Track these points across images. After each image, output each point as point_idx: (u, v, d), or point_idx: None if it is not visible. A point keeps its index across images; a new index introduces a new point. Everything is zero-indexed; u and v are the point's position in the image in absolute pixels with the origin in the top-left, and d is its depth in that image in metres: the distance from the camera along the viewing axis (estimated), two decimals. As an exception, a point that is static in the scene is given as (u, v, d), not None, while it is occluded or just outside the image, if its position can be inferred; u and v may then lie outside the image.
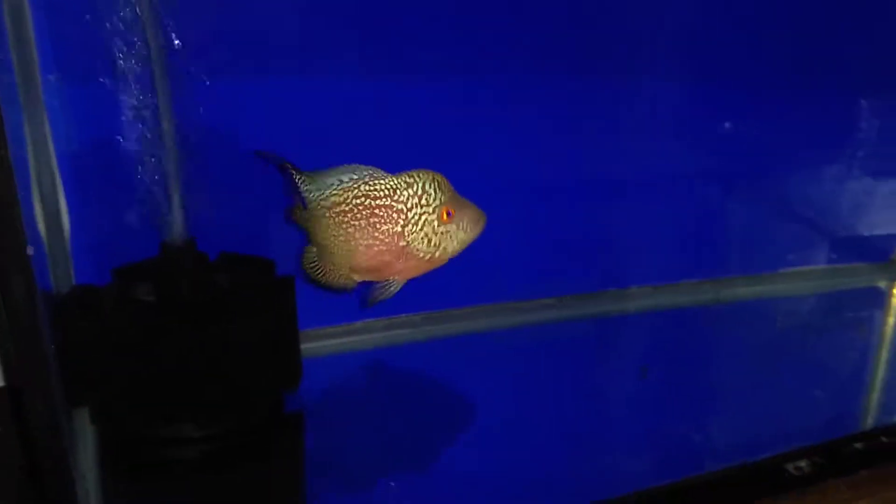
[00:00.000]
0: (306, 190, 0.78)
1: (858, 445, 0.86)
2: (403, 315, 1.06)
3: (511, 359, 1.05)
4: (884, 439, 0.87)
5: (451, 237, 0.78)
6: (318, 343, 1.01)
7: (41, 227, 0.86)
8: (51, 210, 0.86)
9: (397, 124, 0.95)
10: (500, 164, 1.03)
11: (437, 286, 1.03)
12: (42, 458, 0.50)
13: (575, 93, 1.03)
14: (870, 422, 0.96)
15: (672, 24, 1.05)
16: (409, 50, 0.94)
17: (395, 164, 0.89)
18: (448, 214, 0.76)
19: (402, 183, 0.76)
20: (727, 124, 1.13)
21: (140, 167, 0.84)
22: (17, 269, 0.44)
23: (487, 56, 0.98)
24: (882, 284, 1.34)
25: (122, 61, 0.80)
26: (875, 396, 1.01)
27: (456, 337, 1.07)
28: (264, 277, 0.88)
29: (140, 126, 0.83)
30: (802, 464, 0.82)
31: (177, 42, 0.81)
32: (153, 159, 0.84)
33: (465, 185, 1.00)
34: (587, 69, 1.03)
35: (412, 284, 1.03)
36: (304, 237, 0.91)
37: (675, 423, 0.93)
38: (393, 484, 0.82)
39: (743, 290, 1.23)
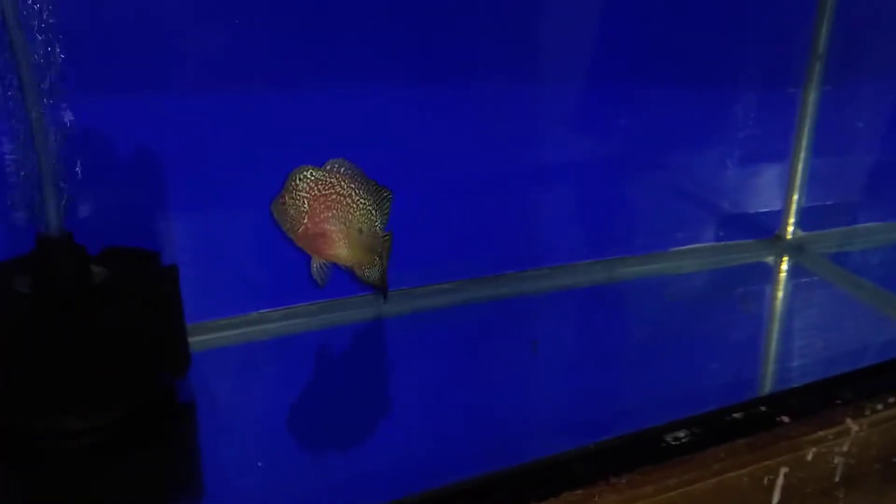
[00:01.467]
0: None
1: (737, 415, 0.89)
2: (301, 305, 1.06)
3: (409, 344, 1.06)
4: (763, 409, 0.91)
5: None
6: (215, 334, 1.01)
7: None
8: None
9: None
10: (401, 152, 1.06)
11: (334, 275, 1.05)
12: None
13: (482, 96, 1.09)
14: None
15: (571, 28, 1.12)
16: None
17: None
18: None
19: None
20: (618, 113, 1.18)
21: (16, 163, 0.83)
22: None
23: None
24: (769, 260, 1.39)
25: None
26: (767, 369, 1.05)
27: (353, 324, 1.07)
28: (146, 268, 0.88)
29: (13, 123, 0.82)
30: (681, 434, 0.85)
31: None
32: (28, 156, 0.83)
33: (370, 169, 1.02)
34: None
35: (306, 274, 1.04)
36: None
37: (563, 396, 0.95)
38: (287, 474, 0.82)
39: (635, 268, 1.26)
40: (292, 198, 0.91)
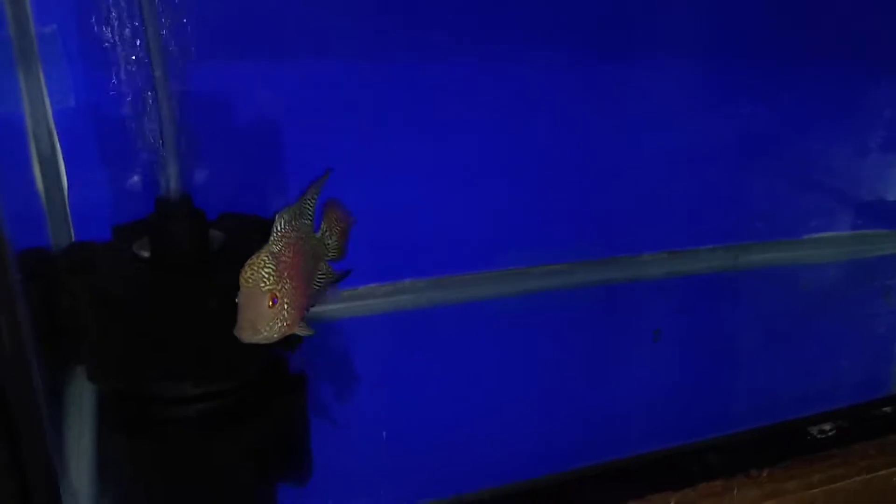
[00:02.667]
0: None
1: (887, 409, 0.83)
2: (407, 280, 1.03)
3: (519, 326, 1.02)
4: (913, 404, 0.84)
5: None
6: (322, 308, 0.99)
7: (39, 186, 0.86)
8: (49, 170, 0.85)
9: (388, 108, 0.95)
10: (507, 131, 1.01)
11: (442, 251, 1.02)
12: (15, 418, 0.48)
13: (592, 68, 1.02)
14: (898, 389, 0.92)
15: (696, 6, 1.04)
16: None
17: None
18: None
19: None
20: (749, 95, 1.11)
21: (138, 126, 0.84)
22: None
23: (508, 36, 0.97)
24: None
25: (118, 23, 0.80)
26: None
27: (460, 304, 1.04)
28: (263, 235, 0.87)
29: (138, 85, 0.82)
30: (827, 426, 0.79)
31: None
32: (151, 119, 0.83)
33: (473, 150, 0.99)
34: (605, 43, 1.02)
35: (416, 249, 1.02)
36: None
37: (690, 387, 0.90)
38: (394, 450, 0.80)
39: (763, 256, 1.18)
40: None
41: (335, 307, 1.00)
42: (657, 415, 0.86)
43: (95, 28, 0.79)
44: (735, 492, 0.71)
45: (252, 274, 0.66)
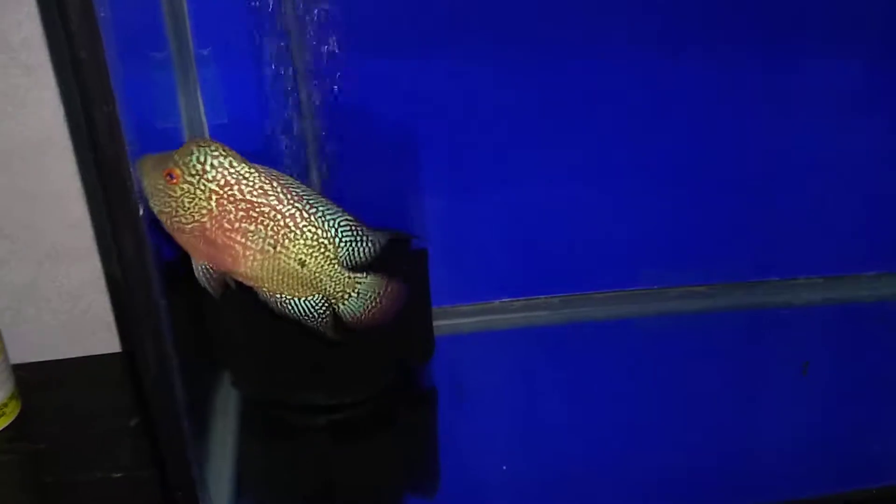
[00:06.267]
0: None
1: None
2: (542, 297, 1.02)
3: (655, 349, 0.98)
4: None
5: None
6: (454, 320, 1.00)
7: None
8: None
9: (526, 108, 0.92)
10: (644, 140, 0.96)
11: (577, 268, 1.00)
12: (155, 421, 0.52)
13: (737, 64, 0.93)
14: None
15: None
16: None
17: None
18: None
19: None
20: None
21: (282, 135, 0.87)
22: (127, 225, 0.45)
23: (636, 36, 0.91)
24: None
25: (267, 48, 0.83)
26: None
27: (596, 322, 1.01)
28: (397, 250, 0.88)
29: (283, 99, 0.86)
30: None
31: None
32: (294, 132, 0.86)
33: (607, 163, 0.95)
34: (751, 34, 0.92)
35: (551, 265, 1.00)
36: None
37: (841, 429, 0.83)
38: (523, 468, 0.80)
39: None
40: (190, 184, 0.58)
41: (468, 320, 1.00)
42: (802, 458, 0.81)
43: (247, 50, 0.83)
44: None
45: (191, 148, 0.58)
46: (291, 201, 0.60)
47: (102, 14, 0.45)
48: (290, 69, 0.84)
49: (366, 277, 0.65)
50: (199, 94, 0.86)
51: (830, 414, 0.90)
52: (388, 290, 0.67)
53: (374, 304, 0.66)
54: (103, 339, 1.00)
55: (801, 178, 0.99)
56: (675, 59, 0.92)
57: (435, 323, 0.90)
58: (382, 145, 0.92)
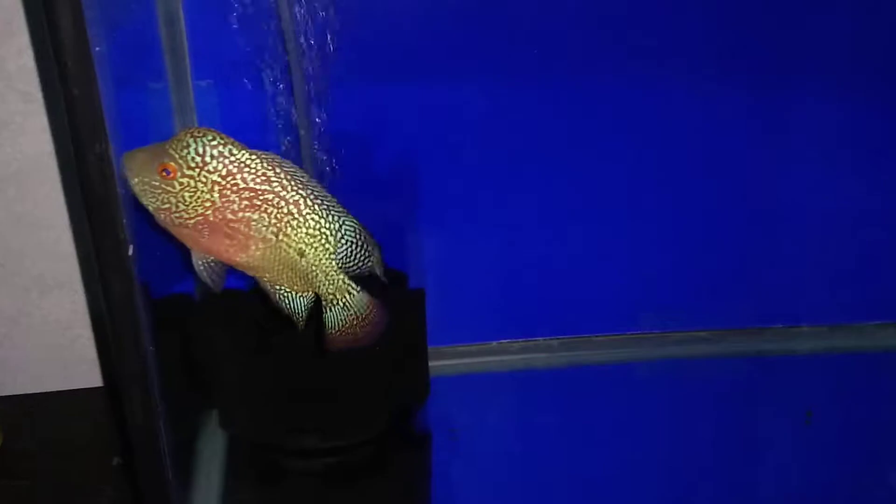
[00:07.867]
0: None
1: None
2: (540, 339, 1.00)
3: (655, 394, 0.97)
4: None
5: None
6: (451, 361, 0.98)
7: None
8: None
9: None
10: (645, 185, 0.94)
11: (576, 310, 0.98)
12: (137, 466, 0.50)
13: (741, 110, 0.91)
14: None
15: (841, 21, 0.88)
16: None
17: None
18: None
19: None
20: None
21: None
22: (115, 268, 0.43)
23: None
24: None
25: (269, 81, 0.82)
26: None
27: (595, 366, 0.99)
28: (393, 290, 0.86)
29: (281, 131, 0.85)
30: None
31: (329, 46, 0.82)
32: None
33: (608, 206, 0.94)
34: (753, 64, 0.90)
35: (550, 308, 0.98)
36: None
37: (844, 480, 0.81)
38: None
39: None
40: (190, 177, 0.56)
41: (464, 361, 0.98)
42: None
43: (246, 81, 0.82)
44: None
45: (187, 140, 0.55)
46: (295, 188, 0.59)
47: (98, 49, 0.43)
48: (289, 99, 0.83)
49: (358, 291, 0.65)
50: (196, 124, 0.86)
51: (834, 464, 0.88)
52: (373, 314, 0.66)
53: (355, 321, 0.66)
54: (87, 371, 0.98)
55: (806, 224, 0.98)
56: (678, 104, 0.90)
57: (431, 363, 0.89)
58: (380, 182, 0.91)
